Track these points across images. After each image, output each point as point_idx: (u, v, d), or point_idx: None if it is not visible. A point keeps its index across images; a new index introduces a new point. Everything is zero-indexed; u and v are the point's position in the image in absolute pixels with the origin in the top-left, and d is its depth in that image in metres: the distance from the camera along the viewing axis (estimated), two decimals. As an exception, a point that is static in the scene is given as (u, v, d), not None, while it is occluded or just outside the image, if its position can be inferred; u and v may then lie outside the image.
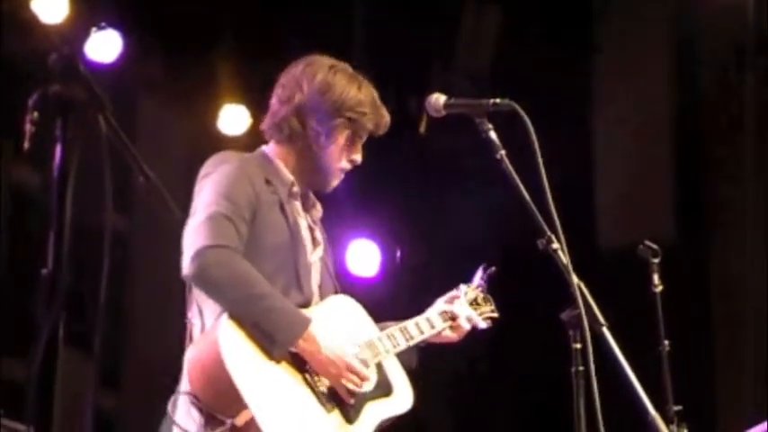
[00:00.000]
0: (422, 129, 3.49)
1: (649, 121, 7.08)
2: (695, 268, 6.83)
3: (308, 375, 3.24)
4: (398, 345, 3.48)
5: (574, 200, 4.63)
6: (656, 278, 4.38)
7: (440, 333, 3.66)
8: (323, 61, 3.53)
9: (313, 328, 3.23)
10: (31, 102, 2.27)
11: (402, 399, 3.43)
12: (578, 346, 3.04)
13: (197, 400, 3.11)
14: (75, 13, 5.87)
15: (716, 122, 6.92)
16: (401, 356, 3.51)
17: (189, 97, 6.54)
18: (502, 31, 7.01)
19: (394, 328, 3.52)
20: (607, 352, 3.03)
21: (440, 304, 3.72)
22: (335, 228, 3.74)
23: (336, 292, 3.53)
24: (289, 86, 3.50)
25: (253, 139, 3.58)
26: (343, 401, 3.27)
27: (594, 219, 7.09)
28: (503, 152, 3.23)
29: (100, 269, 3.03)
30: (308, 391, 3.22)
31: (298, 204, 3.48)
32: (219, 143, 6.32)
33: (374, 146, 3.60)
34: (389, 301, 3.61)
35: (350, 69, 3.55)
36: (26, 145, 2.23)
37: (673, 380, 4.26)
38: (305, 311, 3.30)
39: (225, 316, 3.16)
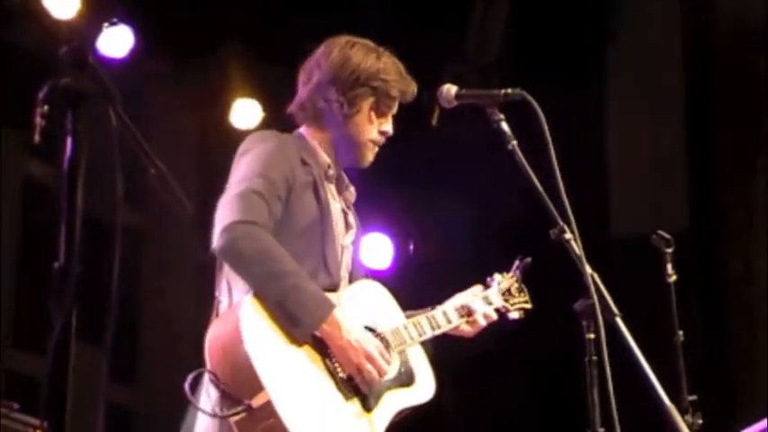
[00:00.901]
0: (434, 120, 3.47)
1: (663, 109, 7.06)
2: (709, 258, 6.81)
3: (328, 360, 3.21)
4: (424, 333, 3.47)
5: (587, 190, 4.63)
6: (669, 268, 4.37)
7: (456, 327, 3.64)
8: (340, 39, 3.53)
9: (337, 313, 3.20)
10: (41, 94, 2.26)
11: (423, 389, 3.40)
12: (592, 336, 3.03)
13: (216, 378, 3.09)
14: (87, 8, 5.88)
15: (731, 110, 6.90)
16: (424, 344, 3.49)
17: (200, 92, 6.55)
18: (512, 22, 7.00)
19: (421, 317, 3.50)
20: (621, 342, 3.02)
21: (457, 298, 3.69)
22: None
23: (367, 277, 3.53)
24: (308, 68, 3.51)
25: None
26: (362, 389, 3.25)
27: (608, 209, 7.07)
28: (514, 142, 3.23)
29: (112, 262, 3.03)
30: (328, 376, 3.20)
31: (332, 187, 3.47)
32: (231, 137, 6.32)
33: (387, 138, 3.58)
34: (402, 294, 3.61)
35: (370, 43, 3.54)
36: (36, 138, 2.23)
37: (687, 370, 4.24)
38: (330, 295, 3.28)
39: (249, 294, 3.15)
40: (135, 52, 6.08)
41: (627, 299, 3.21)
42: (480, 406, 7.00)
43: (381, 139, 3.51)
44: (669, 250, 4.39)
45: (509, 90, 3.27)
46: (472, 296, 3.70)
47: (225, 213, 3.19)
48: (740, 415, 6.23)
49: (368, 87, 3.45)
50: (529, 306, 3.83)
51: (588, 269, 3.08)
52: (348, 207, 3.54)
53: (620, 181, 7.16)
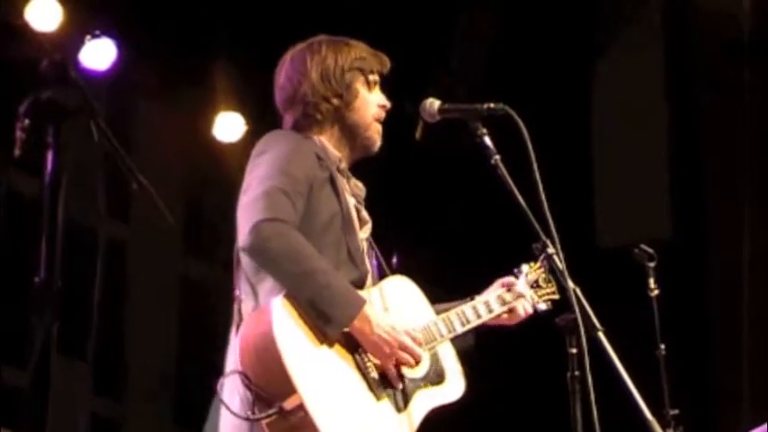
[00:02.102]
0: (417, 134, 3.47)
1: (647, 123, 7.08)
2: (692, 271, 6.82)
3: (358, 358, 3.19)
4: (454, 329, 3.43)
5: (570, 204, 4.64)
6: (651, 282, 4.38)
7: (498, 317, 3.61)
8: (306, 45, 3.56)
9: (367, 308, 3.18)
10: (22, 109, 2.25)
11: (454, 387, 3.38)
12: (574, 350, 3.03)
13: (247, 380, 3.06)
14: (69, 21, 5.86)
15: (713, 123, 6.93)
16: (456, 339, 3.46)
17: (184, 105, 6.53)
18: (498, 36, 7.01)
19: (450, 312, 3.47)
20: (603, 356, 3.02)
21: (497, 288, 3.66)
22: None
23: (386, 273, 3.51)
24: (290, 85, 3.51)
25: (248, 147, 3.57)
26: (393, 388, 3.22)
27: (591, 222, 7.08)
28: (497, 157, 3.23)
29: (95, 275, 3.02)
30: (359, 377, 3.18)
31: (345, 182, 3.48)
32: (215, 150, 6.32)
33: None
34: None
35: (329, 37, 3.57)
36: (17, 152, 2.22)
37: (669, 384, 4.25)
38: (360, 292, 3.26)
39: (280, 295, 3.14)
40: (118, 65, 6.06)
41: (609, 313, 3.21)
42: (461, 419, 6.99)
43: (382, 114, 3.54)
44: (652, 264, 4.40)
45: (492, 104, 3.27)
46: (505, 287, 3.67)
47: (252, 212, 3.18)
48: (722, 429, 6.25)
49: (355, 70, 3.49)
50: (557, 297, 3.72)
51: (571, 283, 3.08)
52: (359, 202, 3.53)
53: (603, 195, 7.18)
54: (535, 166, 3.13)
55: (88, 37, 5.92)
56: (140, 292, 6.79)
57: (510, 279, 3.70)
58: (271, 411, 3.02)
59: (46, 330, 2.22)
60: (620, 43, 7.15)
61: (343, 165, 3.47)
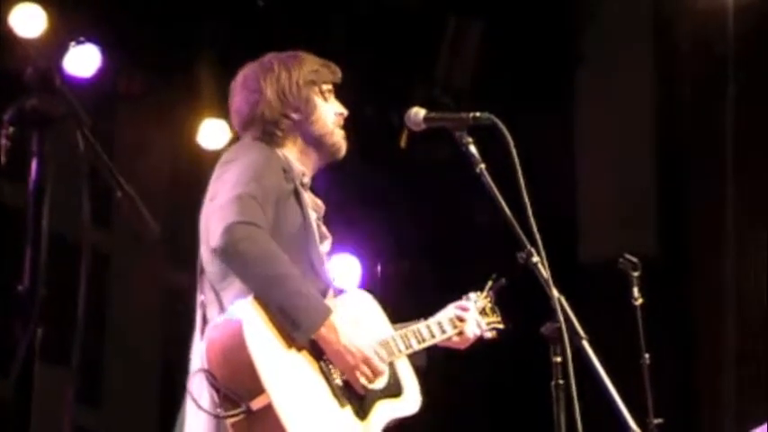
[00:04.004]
0: (402, 143, 3.48)
1: (631, 133, 7.10)
2: (677, 281, 6.84)
3: (323, 365, 3.23)
4: (411, 346, 3.48)
5: (555, 213, 4.64)
6: (636, 291, 4.40)
7: (449, 339, 3.68)
8: (251, 68, 3.59)
9: (334, 318, 3.22)
10: (6, 116, 2.25)
11: (411, 401, 3.42)
12: (559, 359, 3.04)
13: (214, 380, 3.09)
14: (54, 27, 5.85)
15: (697, 136, 6.95)
16: (411, 356, 3.51)
17: (168, 112, 6.52)
18: (483, 46, 7.03)
19: (408, 330, 3.52)
20: (587, 365, 3.03)
21: (451, 310, 3.73)
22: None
23: (341, 289, 3.54)
24: (247, 107, 3.55)
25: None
26: (355, 396, 3.26)
27: (575, 232, 7.10)
28: (482, 166, 3.24)
29: (78, 284, 3.01)
30: (324, 382, 3.22)
31: (307, 196, 3.51)
32: (199, 157, 6.30)
33: (356, 160, 3.61)
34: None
35: (274, 54, 3.61)
36: (1, 160, 2.21)
37: (653, 393, 4.26)
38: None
39: (250, 297, 3.16)
40: (102, 72, 6.05)
41: (594, 322, 3.22)
42: (446, 429, 6.99)
43: (341, 120, 3.60)
44: (636, 273, 4.42)
45: (478, 114, 3.28)
46: (459, 310, 3.74)
47: (224, 215, 3.20)
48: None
49: (309, 84, 3.53)
50: (502, 326, 3.86)
51: (555, 292, 3.08)
52: (320, 218, 3.57)
53: (588, 204, 7.19)
54: (520, 175, 3.14)
55: (72, 43, 5.91)
56: (124, 300, 6.77)
57: (464, 303, 3.77)
58: (238, 410, 3.05)
59: (29, 339, 2.21)
60: (605, 54, 7.17)
61: (306, 179, 3.51)
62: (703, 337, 6.84)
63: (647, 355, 4.32)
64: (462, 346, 3.73)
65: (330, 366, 3.23)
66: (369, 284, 6.90)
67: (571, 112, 7.26)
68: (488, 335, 3.81)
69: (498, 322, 3.85)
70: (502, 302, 3.88)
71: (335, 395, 3.22)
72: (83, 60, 6.00)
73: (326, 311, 3.21)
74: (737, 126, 6.72)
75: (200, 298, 3.36)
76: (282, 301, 3.15)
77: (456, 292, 3.86)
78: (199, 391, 3.14)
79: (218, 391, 3.07)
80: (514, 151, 3.15)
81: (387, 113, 6.48)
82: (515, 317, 3.93)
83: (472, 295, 3.82)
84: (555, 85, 7.04)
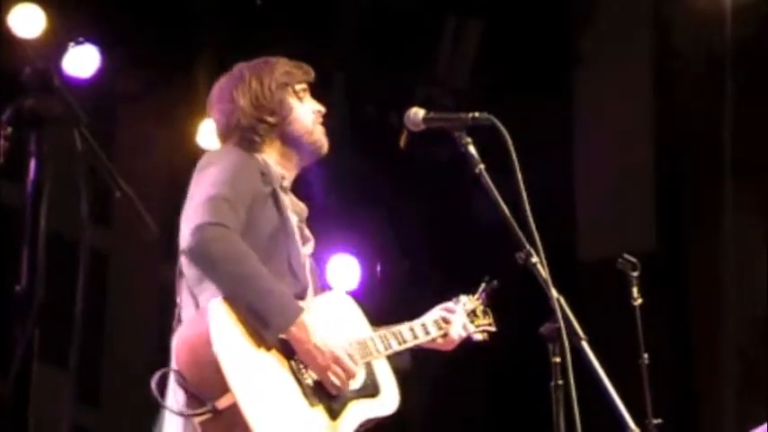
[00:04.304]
0: (401, 143, 3.48)
1: (630, 133, 7.09)
2: (675, 281, 6.84)
3: (294, 365, 3.23)
4: (390, 347, 3.49)
5: (554, 213, 4.64)
6: (635, 291, 4.39)
7: (433, 340, 3.69)
8: (223, 81, 3.64)
9: (305, 317, 3.22)
10: (5, 116, 2.25)
11: (387, 401, 3.41)
12: (557, 359, 3.04)
13: (182, 379, 3.11)
14: (53, 27, 5.85)
15: (697, 134, 6.94)
16: (392, 358, 3.51)
17: (167, 112, 6.52)
18: (483, 44, 7.02)
19: (388, 331, 3.53)
20: (586, 366, 3.03)
21: (436, 312, 3.74)
22: (316, 242, 3.74)
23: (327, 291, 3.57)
24: (223, 118, 3.59)
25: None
26: (327, 396, 3.26)
27: (574, 232, 7.09)
28: (482, 166, 3.24)
29: (77, 284, 3.01)
30: (294, 381, 3.21)
31: (287, 199, 3.53)
32: (198, 158, 6.29)
33: (357, 160, 3.61)
34: (369, 316, 3.63)
35: (244, 63, 3.64)
36: (0, 159, 2.22)
37: (652, 393, 4.26)
38: (300, 303, 3.30)
39: (219, 297, 3.17)
40: (101, 72, 6.05)
41: (593, 322, 3.22)
42: (446, 429, 6.99)
43: (320, 117, 3.62)
44: (635, 274, 4.41)
45: (477, 114, 3.28)
46: (450, 310, 3.76)
47: (195, 215, 3.22)
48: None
49: (282, 86, 3.56)
50: (493, 329, 3.87)
51: (554, 293, 3.08)
52: (302, 221, 3.59)
53: (586, 204, 7.19)
54: (519, 175, 3.14)
55: (71, 44, 5.91)
56: (123, 301, 6.77)
57: (450, 305, 3.78)
58: (204, 409, 3.06)
59: (27, 339, 2.21)
60: (604, 53, 7.16)
61: (286, 183, 3.53)
62: (702, 337, 6.83)
63: (645, 356, 4.32)
64: (447, 348, 3.74)
65: (301, 366, 3.24)
66: (368, 285, 6.90)
67: (570, 111, 7.25)
68: (478, 337, 3.82)
69: (489, 325, 3.86)
70: (499, 303, 3.88)
71: (305, 395, 3.22)
72: (82, 61, 6.00)
73: (297, 310, 3.22)
74: (735, 125, 6.72)
75: (177, 300, 3.39)
76: (252, 300, 3.17)
77: (456, 292, 3.86)
78: (175, 391, 3.15)
79: (186, 390, 3.09)
80: (513, 151, 3.15)
81: (386, 113, 6.48)
82: (514, 317, 3.93)
83: (462, 297, 3.83)
84: (554, 84, 7.03)
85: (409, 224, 6.91)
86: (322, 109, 3.63)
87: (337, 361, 3.24)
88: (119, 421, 6.57)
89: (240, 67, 3.62)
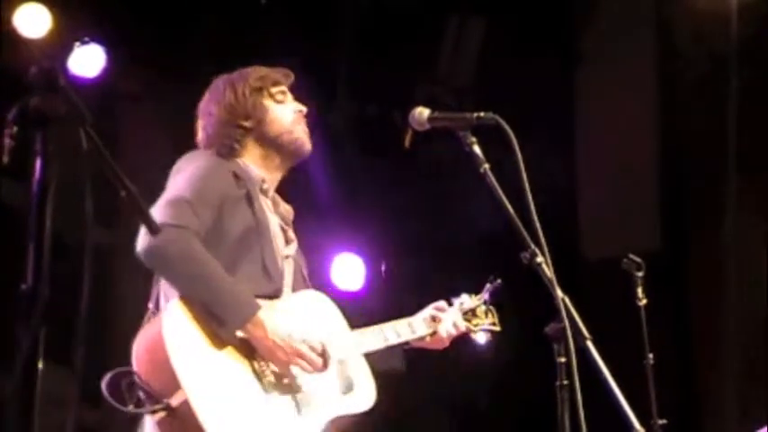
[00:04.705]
0: (406, 143, 3.48)
1: (633, 132, 7.09)
2: (679, 280, 6.83)
3: (256, 363, 3.26)
4: (368, 345, 3.51)
5: (558, 213, 4.64)
6: (640, 291, 4.39)
7: (422, 339, 3.69)
8: (204, 98, 3.71)
9: (262, 314, 3.25)
10: (10, 115, 2.25)
11: (361, 398, 3.44)
12: (563, 359, 3.03)
13: (139, 379, 3.16)
14: (58, 27, 5.85)
15: (699, 133, 6.94)
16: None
17: (172, 112, 6.52)
18: (485, 44, 7.02)
19: (367, 329, 3.55)
20: (592, 366, 3.02)
21: (427, 310, 3.75)
22: (321, 241, 3.75)
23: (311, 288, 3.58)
24: (203, 131, 3.65)
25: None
26: (291, 391, 3.29)
27: (579, 232, 7.09)
28: (486, 166, 3.24)
29: (81, 283, 3.01)
30: (255, 378, 3.25)
31: (268, 201, 3.56)
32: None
33: (360, 159, 3.61)
34: (374, 315, 3.63)
35: (221, 76, 3.69)
36: (4, 159, 2.22)
37: (657, 393, 4.25)
38: (271, 302, 3.34)
39: (176, 297, 3.23)
40: (107, 72, 6.05)
41: (598, 322, 3.22)
42: (451, 430, 6.99)
43: (301, 117, 3.64)
44: (640, 274, 4.41)
45: (482, 113, 3.28)
46: (435, 310, 3.77)
47: (155, 217, 3.22)
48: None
49: (256, 91, 3.60)
50: (496, 329, 3.85)
51: (559, 292, 3.08)
52: (287, 224, 3.61)
53: (590, 204, 7.19)
54: (524, 174, 3.14)
55: (77, 43, 5.92)
56: (127, 300, 6.76)
57: (441, 303, 3.80)
58: (158, 407, 3.10)
59: (33, 338, 2.21)
60: (606, 52, 7.16)
61: (266, 185, 3.56)
62: (704, 336, 6.83)
63: (650, 355, 4.32)
64: (437, 347, 3.75)
65: (263, 363, 3.27)
66: (373, 284, 6.90)
67: (572, 111, 7.25)
68: (480, 337, 3.82)
69: (493, 324, 3.86)
70: (504, 303, 3.88)
71: (266, 391, 3.24)
72: (87, 60, 6.00)
73: (253, 308, 3.25)
74: (739, 123, 6.71)
75: (149, 305, 3.45)
76: (207, 299, 3.21)
77: (460, 291, 3.86)
78: (124, 389, 3.21)
79: (143, 390, 3.14)
80: (518, 151, 3.15)
81: (389, 113, 6.48)
82: (519, 317, 3.93)
83: (464, 296, 3.84)
84: (556, 83, 7.03)
85: (414, 223, 6.91)
86: (303, 109, 3.65)
87: (299, 354, 3.27)
88: (122, 422, 6.57)
89: (216, 81, 3.67)
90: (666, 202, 7.01)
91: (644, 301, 4.38)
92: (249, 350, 3.26)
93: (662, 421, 4.21)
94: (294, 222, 3.66)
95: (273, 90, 3.62)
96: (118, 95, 6.35)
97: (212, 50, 6.47)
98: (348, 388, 3.41)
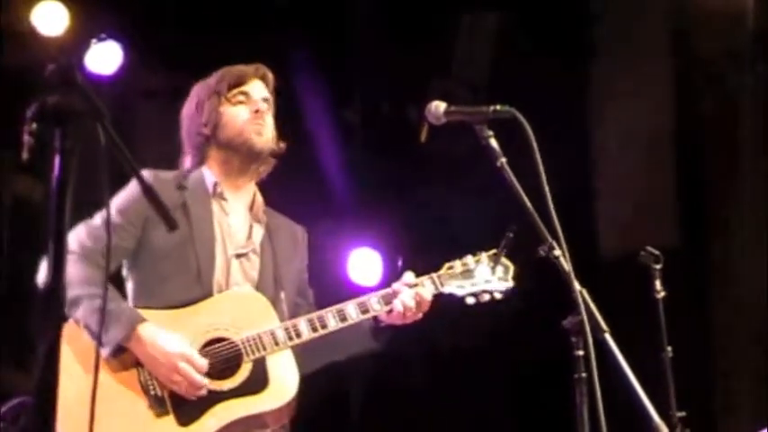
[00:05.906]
0: (422, 137, 3.48)
1: (650, 126, 7.07)
2: (697, 274, 6.81)
3: (143, 377, 3.35)
4: (299, 335, 3.49)
5: (575, 206, 4.63)
6: (657, 284, 4.38)
7: (386, 314, 3.61)
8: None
9: (142, 329, 3.33)
10: (29, 113, 2.26)
11: (274, 395, 3.44)
12: (581, 353, 3.03)
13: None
14: (76, 24, 5.87)
15: (716, 128, 6.92)
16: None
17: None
18: (499, 39, 7.01)
19: (299, 319, 3.53)
20: (610, 359, 3.02)
21: (391, 287, 3.68)
22: (337, 237, 3.76)
23: (277, 288, 3.60)
24: (180, 141, 3.79)
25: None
26: (183, 403, 3.34)
27: (596, 225, 7.08)
28: (503, 160, 3.23)
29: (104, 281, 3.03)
30: (141, 393, 3.33)
31: (223, 203, 3.62)
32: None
33: (376, 154, 3.61)
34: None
35: (198, 83, 3.82)
36: (24, 156, 2.23)
37: (676, 386, 4.24)
38: (191, 307, 3.41)
39: (71, 319, 3.32)
40: (124, 69, 6.07)
41: (616, 315, 3.21)
42: (467, 423, 6.99)
43: (257, 117, 3.68)
44: (658, 266, 4.40)
45: (498, 107, 3.27)
46: (393, 287, 3.70)
47: None
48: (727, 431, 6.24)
49: (213, 96, 3.69)
50: (496, 294, 3.71)
51: (577, 286, 3.07)
52: (259, 221, 3.66)
53: (609, 196, 7.17)
54: (541, 168, 3.13)
55: (94, 40, 5.94)
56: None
57: (406, 277, 3.73)
58: None
59: (53, 336, 2.22)
60: (621, 45, 7.14)
61: (220, 188, 3.63)
62: (721, 330, 6.81)
63: (669, 348, 4.31)
64: (399, 321, 3.63)
65: (148, 378, 3.36)
66: (390, 278, 6.89)
67: (588, 104, 7.23)
68: (469, 299, 3.69)
69: (505, 279, 3.69)
70: (525, 295, 3.83)
71: (151, 406, 3.33)
72: (105, 57, 6.02)
73: (132, 324, 3.33)
74: (755, 119, 6.69)
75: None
76: (85, 320, 3.32)
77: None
78: None
79: None
80: (535, 144, 3.14)
81: (404, 108, 6.48)
82: (537, 310, 3.92)
83: (468, 257, 3.78)
84: (572, 78, 7.01)
85: (430, 218, 6.91)
86: (259, 108, 3.68)
87: (176, 369, 3.32)
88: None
89: (192, 90, 3.78)
90: (684, 198, 6.99)
91: (662, 294, 4.37)
92: (137, 364, 3.36)
93: (680, 413, 4.20)
94: (302, 218, 3.71)
95: (231, 93, 3.69)
96: (135, 92, 6.37)
97: (227, 47, 6.48)
98: (260, 386, 3.42)
